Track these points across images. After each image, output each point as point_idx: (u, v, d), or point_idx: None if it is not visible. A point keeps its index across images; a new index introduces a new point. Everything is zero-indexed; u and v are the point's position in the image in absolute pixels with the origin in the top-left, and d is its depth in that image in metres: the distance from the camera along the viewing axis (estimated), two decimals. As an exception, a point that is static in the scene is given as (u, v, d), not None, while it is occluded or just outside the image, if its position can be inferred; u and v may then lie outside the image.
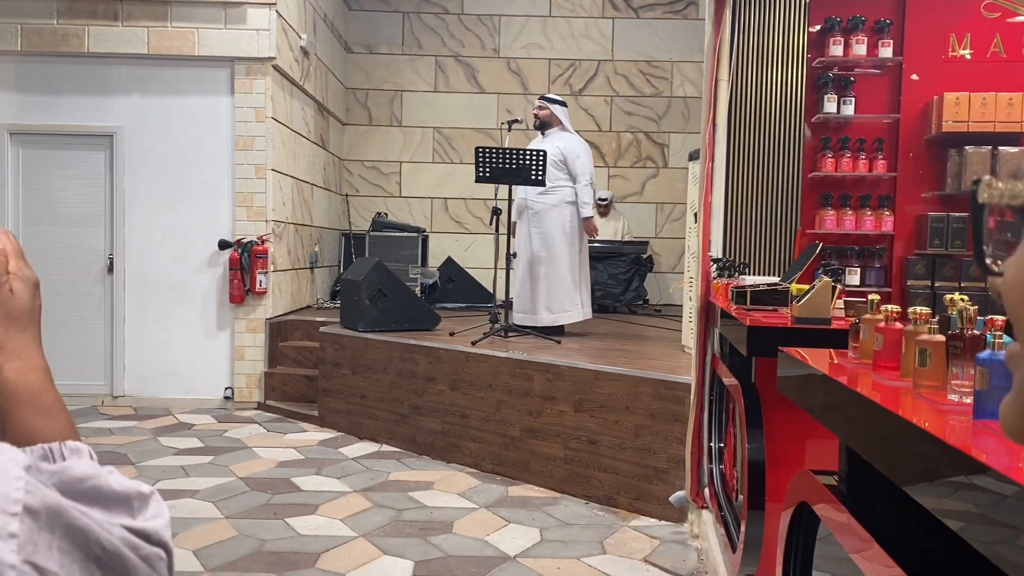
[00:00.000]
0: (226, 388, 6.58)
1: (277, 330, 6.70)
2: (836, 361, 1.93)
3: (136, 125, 6.54)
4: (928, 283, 3.92)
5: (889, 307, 1.83)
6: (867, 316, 1.86)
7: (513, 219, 6.00)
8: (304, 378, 6.43)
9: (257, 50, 6.42)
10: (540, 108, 6.02)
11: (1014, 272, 0.41)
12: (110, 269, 6.58)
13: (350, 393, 5.76)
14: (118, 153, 6.54)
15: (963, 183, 3.89)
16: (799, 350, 2.12)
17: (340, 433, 5.79)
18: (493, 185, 5.73)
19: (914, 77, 4.05)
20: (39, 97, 6.53)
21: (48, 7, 6.38)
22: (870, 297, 1.91)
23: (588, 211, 5.85)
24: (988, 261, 0.44)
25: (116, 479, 0.62)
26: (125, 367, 6.61)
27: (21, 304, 0.66)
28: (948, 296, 1.36)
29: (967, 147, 3.89)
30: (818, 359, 1.97)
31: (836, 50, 4.04)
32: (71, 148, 6.56)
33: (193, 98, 6.54)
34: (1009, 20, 3.99)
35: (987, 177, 0.42)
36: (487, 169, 5.58)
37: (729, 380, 3.33)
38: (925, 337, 1.44)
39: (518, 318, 5.88)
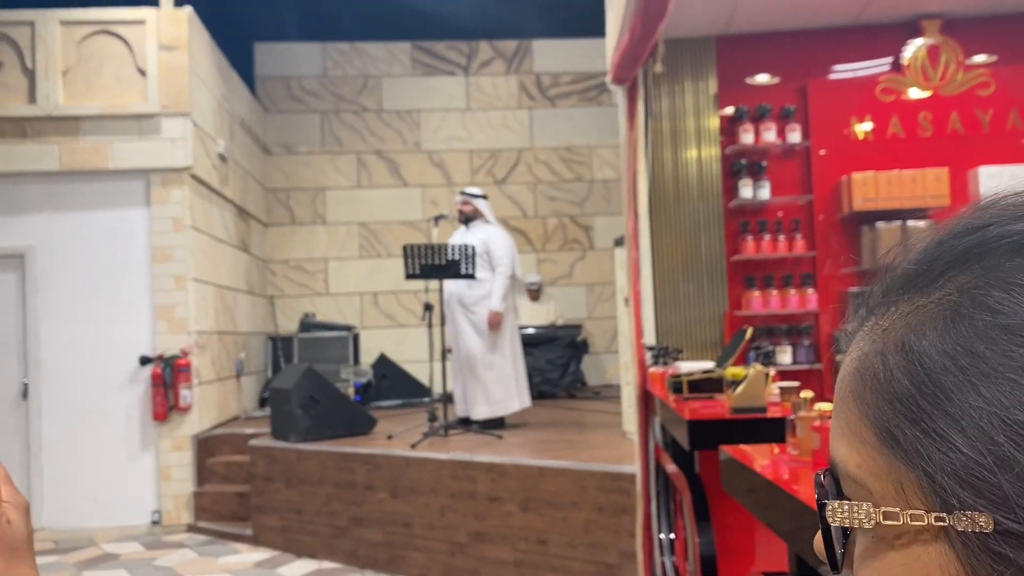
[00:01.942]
0: (153, 512, 6.24)
1: (204, 446, 6.42)
2: (777, 460, 1.92)
3: (48, 243, 6.33)
4: (856, 357, 3.99)
5: (822, 406, 1.83)
6: (802, 414, 1.86)
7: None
8: (236, 495, 6.15)
9: (173, 160, 6.32)
10: (464, 204, 6.06)
11: None
12: (24, 395, 6.25)
13: (285, 508, 5.51)
14: (29, 273, 6.29)
15: (878, 257, 4.01)
16: (741, 448, 2.10)
17: (276, 552, 5.51)
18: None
19: (822, 152, 4.21)
20: (-58, 221, 6.29)
21: (-49, 128, 6.20)
22: (803, 394, 1.91)
23: (497, 303, 5.75)
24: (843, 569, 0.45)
25: None
26: (44, 498, 6.22)
27: (19, 533, 0.65)
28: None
29: (879, 223, 4.03)
30: (760, 458, 1.95)
31: (747, 138, 4.18)
32: (-22, 271, 6.29)
33: (108, 212, 6.38)
34: (903, 98, 4.21)
35: (835, 503, 0.43)
36: (416, 266, 5.55)
37: (673, 470, 3.30)
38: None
39: (458, 411, 5.80)
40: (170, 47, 6.34)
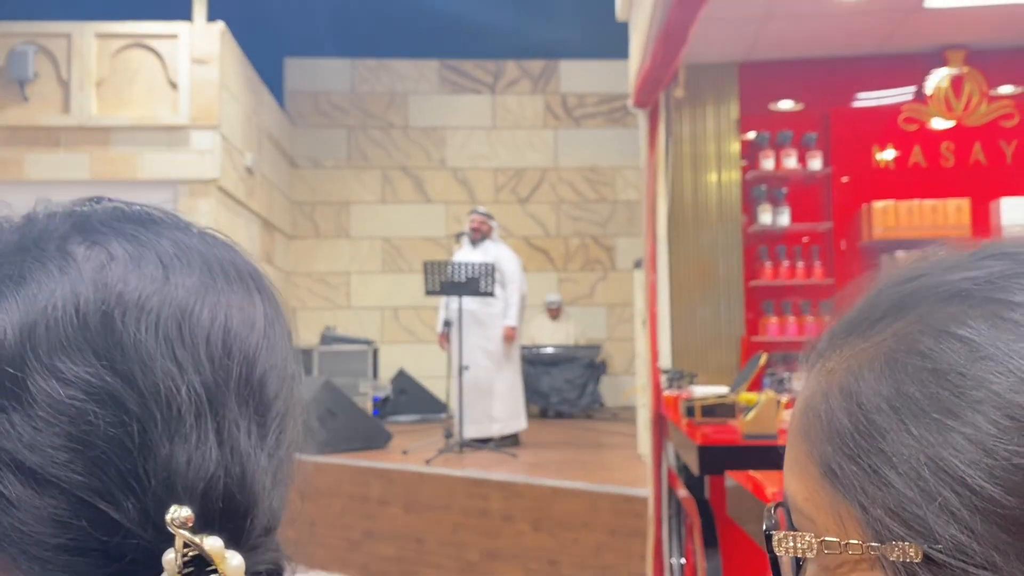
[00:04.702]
0: (170, 518, 6.30)
1: (223, 454, 6.48)
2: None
3: (77, 250, 6.44)
4: (873, 386, 3.97)
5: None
6: (812, 444, 1.86)
7: (441, 328, 6.00)
8: (252, 504, 6.19)
9: (201, 172, 6.43)
10: (481, 223, 6.14)
11: None
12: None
13: (299, 520, 5.53)
14: (58, 279, 6.41)
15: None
16: (748, 474, 2.10)
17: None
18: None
19: (843, 180, 4.21)
20: (-24, 226, 6.42)
21: (-13, 136, 6.35)
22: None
23: (513, 319, 5.92)
24: None
25: None
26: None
27: None
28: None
29: (899, 252, 4.02)
30: (768, 485, 1.94)
31: (767, 163, 4.19)
32: (8, 276, 6.42)
33: (136, 221, 6.48)
34: (926, 127, 4.20)
35: (780, 534, 0.45)
36: (436, 283, 5.60)
37: (684, 495, 3.29)
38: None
39: (470, 430, 5.81)
40: (202, 61, 6.46)
